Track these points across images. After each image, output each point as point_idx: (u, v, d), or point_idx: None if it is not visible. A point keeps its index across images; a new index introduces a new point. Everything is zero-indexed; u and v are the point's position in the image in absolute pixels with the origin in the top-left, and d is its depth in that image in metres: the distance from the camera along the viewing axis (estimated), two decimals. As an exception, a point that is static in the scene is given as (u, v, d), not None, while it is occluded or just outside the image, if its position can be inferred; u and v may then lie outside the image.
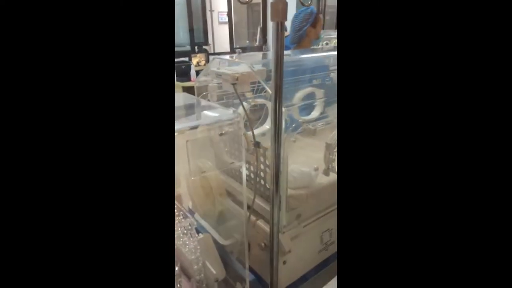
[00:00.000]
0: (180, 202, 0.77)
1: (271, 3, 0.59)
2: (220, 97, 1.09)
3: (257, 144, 0.83)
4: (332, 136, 0.90)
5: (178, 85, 3.26)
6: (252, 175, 0.91)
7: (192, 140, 0.82)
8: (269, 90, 0.82)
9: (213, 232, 0.91)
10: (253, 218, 0.88)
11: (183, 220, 0.68)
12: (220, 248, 0.80)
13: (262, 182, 0.89)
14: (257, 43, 4.45)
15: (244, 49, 4.25)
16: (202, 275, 0.69)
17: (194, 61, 3.55)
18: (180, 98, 1.02)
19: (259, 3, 4.29)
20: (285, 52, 0.66)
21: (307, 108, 1.19)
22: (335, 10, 4.26)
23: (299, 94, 1.15)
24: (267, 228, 0.84)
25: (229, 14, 4.11)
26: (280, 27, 0.60)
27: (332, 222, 0.96)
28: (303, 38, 1.73)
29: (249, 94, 1.05)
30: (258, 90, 1.06)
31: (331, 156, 0.90)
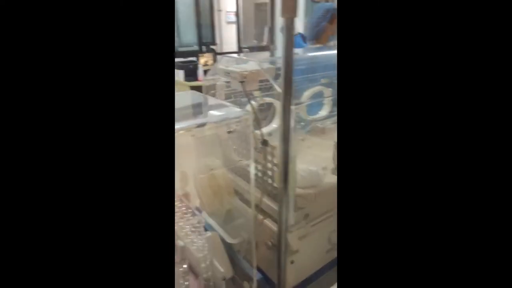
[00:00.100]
0: (188, 200, 0.77)
1: (282, -2, 0.58)
2: (228, 95, 1.09)
3: (265, 143, 0.83)
4: (341, 135, 0.89)
5: (185, 84, 3.27)
6: (259, 174, 0.90)
7: (200, 138, 0.82)
8: (278, 88, 0.81)
9: (220, 231, 0.91)
10: (260, 217, 0.87)
11: (191, 218, 0.68)
12: (228, 247, 0.80)
13: (270, 181, 0.88)
14: (264, 43, 4.44)
15: (252, 49, 4.24)
16: (210, 273, 0.69)
17: (202, 60, 3.57)
18: (188, 96, 1.02)
19: (267, 2, 4.29)
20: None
21: (316, 107, 1.19)
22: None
23: (307, 93, 1.14)
24: (274, 227, 0.84)
25: (236, 14, 4.11)
26: (290, 23, 0.59)
27: (340, 222, 0.95)
28: (321, 34, 1.75)
29: (256, 93, 1.04)
30: (265, 89, 1.06)
31: (339, 155, 0.89)
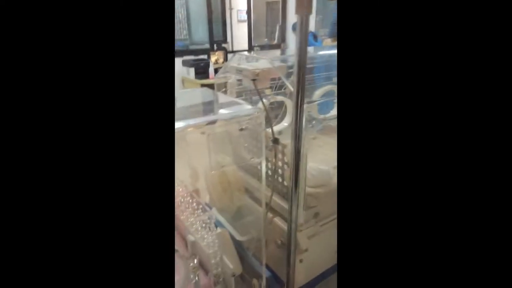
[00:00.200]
0: (198, 197, 0.78)
1: (296, -4, 0.58)
2: (239, 93, 1.09)
3: (275, 141, 0.83)
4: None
5: (196, 82, 3.29)
6: (269, 172, 0.90)
7: (210, 135, 0.83)
8: (290, 87, 0.81)
9: (229, 228, 0.91)
10: (270, 215, 0.87)
11: (201, 213, 0.68)
12: (237, 244, 0.80)
13: (280, 179, 0.88)
14: (275, 41, 4.43)
15: (263, 47, 4.23)
16: (220, 269, 0.69)
17: (213, 58, 3.58)
18: (199, 93, 1.03)
19: (278, 1, 4.27)
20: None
21: (327, 106, 1.18)
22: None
23: (319, 92, 1.13)
24: (283, 225, 0.84)
25: (248, 12, 4.11)
26: (305, 20, 0.59)
27: (350, 222, 0.95)
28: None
29: (268, 91, 1.04)
30: (276, 88, 1.06)
31: (351, 155, 0.88)
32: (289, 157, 0.79)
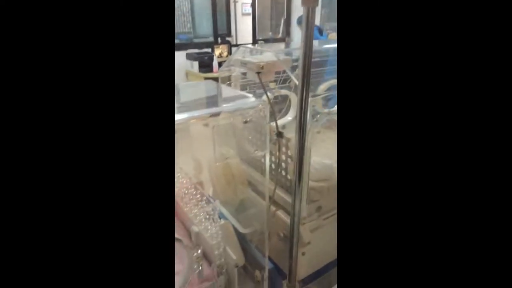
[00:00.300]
0: (202, 188, 0.78)
1: (303, -13, 0.57)
2: (243, 86, 1.09)
3: (280, 134, 0.83)
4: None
5: (200, 75, 3.29)
6: (273, 166, 0.90)
7: (214, 127, 0.83)
8: (295, 80, 0.81)
9: (232, 220, 0.92)
10: (272, 208, 0.88)
11: (205, 205, 0.69)
12: (239, 236, 0.81)
13: (283, 173, 0.88)
14: (280, 35, 4.39)
15: (267, 41, 4.21)
16: (223, 260, 0.70)
17: (217, 52, 3.57)
18: (203, 86, 1.03)
19: (284, -6, 4.22)
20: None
21: (331, 100, 1.17)
22: None
23: (323, 86, 1.13)
24: (286, 218, 0.84)
25: (253, 5, 4.07)
26: (311, 13, 0.58)
27: (353, 216, 0.95)
28: None
29: (272, 85, 1.04)
30: (280, 81, 1.05)
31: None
32: (293, 151, 0.79)
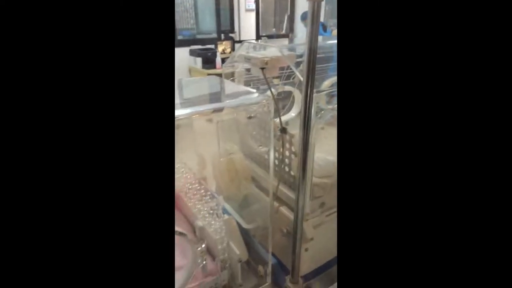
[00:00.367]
0: (206, 184, 0.79)
1: (308, -18, 0.57)
2: (247, 82, 1.09)
3: (283, 130, 0.83)
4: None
5: (203, 72, 3.28)
6: (276, 162, 0.90)
7: (217, 123, 0.83)
8: (299, 76, 0.81)
9: (236, 216, 0.92)
10: (276, 204, 0.88)
11: (209, 200, 0.69)
12: (243, 231, 0.82)
13: (287, 169, 0.88)
14: (283, 31, 4.37)
15: (270, 37, 4.19)
16: (226, 255, 0.70)
17: (220, 48, 3.56)
18: (206, 82, 1.03)
19: (287, -10, 4.19)
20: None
21: (335, 97, 1.17)
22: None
23: (327, 82, 1.12)
24: (289, 214, 0.84)
25: (256, 1, 4.05)
26: (316, 8, 0.58)
27: (356, 213, 0.95)
28: None
29: (276, 81, 1.04)
30: (284, 78, 1.05)
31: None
32: (296, 147, 0.79)
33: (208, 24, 3.87)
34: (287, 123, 1.03)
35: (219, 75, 1.10)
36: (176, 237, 0.59)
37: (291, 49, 0.90)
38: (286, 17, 4.34)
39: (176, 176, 0.93)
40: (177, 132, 0.96)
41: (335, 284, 0.93)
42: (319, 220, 0.86)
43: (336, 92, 1.14)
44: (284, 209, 0.87)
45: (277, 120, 0.80)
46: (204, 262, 0.64)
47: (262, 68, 0.82)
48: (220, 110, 0.67)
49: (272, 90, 0.87)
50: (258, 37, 4.16)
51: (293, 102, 1.10)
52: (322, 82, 1.11)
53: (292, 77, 1.01)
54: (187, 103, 0.75)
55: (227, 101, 0.74)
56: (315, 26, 0.60)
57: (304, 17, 3.59)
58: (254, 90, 0.77)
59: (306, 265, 0.86)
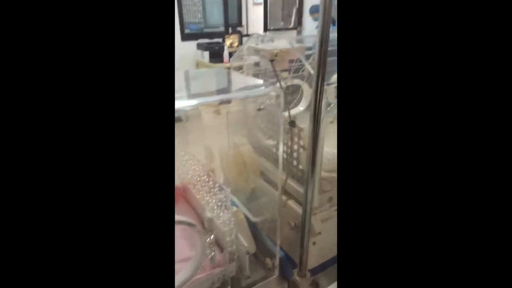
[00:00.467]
0: (214, 176, 0.79)
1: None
2: (255, 76, 1.08)
3: (292, 124, 0.82)
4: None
5: (210, 66, 3.28)
6: (285, 155, 0.90)
7: (225, 115, 0.83)
8: (309, 68, 0.80)
9: (244, 209, 0.92)
10: (283, 198, 0.88)
11: (218, 192, 0.69)
12: (250, 224, 0.82)
13: (295, 162, 0.88)
14: (291, 25, 4.32)
15: (278, 31, 4.15)
16: (234, 247, 0.71)
17: (228, 42, 3.54)
18: (212, 73, 1.02)
19: (296, -17, 4.14)
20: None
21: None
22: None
23: (336, 76, 1.11)
24: (297, 208, 0.84)
25: (264, -5, 4.01)
26: (328, 0, 0.56)
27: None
28: None
29: (284, 74, 1.03)
30: (292, 71, 1.04)
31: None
32: (305, 140, 0.78)
33: (215, 17, 3.85)
34: (295, 117, 1.02)
35: (227, 69, 1.09)
36: (185, 228, 0.59)
37: (299, 41, 0.89)
38: (294, 11, 4.29)
39: (184, 168, 0.93)
40: (185, 124, 0.97)
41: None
42: (327, 214, 0.86)
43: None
44: (292, 203, 0.87)
45: (286, 113, 0.79)
46: (212, 253, 0.64)
47: (272, 60, 0.81)
48: (228, 101, 0.67)
49: (282, 83, 0.86)
50: (266, 30, 4.13)
51: (301, 96, 1.09)
52: (331, 76, 1.10)
53: (302, 69, 1.00)
54: (194, 94, 0.75)
55: (235, 92, 0.74)
56: (327, 18, 0.59)
57: (313, 10, 3.54)
58: (262, 81, 0.77)
59: (314, 259, 0.86)
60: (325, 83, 0.78)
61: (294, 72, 1.01)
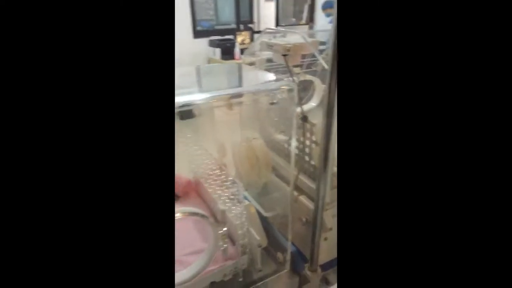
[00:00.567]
0: (226, 170, 0.79)
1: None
2: (267, 71, 1.08)
3: (304, 119, 0.82)
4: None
5: (222, 63, 3.29)
6: (297, 151, 0.90)
7: (237, 109, 0.83)
8: (323, 63, 0.79)
9: (255, 204, 0.93)
10: (295, 193, 0.88)
11: (230, 186, 0.70)
12: (262, 219, 0.82)
13: (307, 158, 0.88)
14: (303, 21, 4.29)
15: (290, 27, 4.12)
16: (246, 240, 0.71)
17: (239, 39, 3.54)
18: (224, 68, 1.03)
19: (308, -22, 4.09)
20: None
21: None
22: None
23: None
24: (309, 203, 0.84)
25: (276, -9, 3.99)
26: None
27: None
28: None
29: (296, 70, 1.02)
30: (305, 67, 1.03)
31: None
32: (318, 136, 0.78)
33: (227, 14, 3.85)
34: (307, 113, 1.01)
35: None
36: (198, 220, 0.60)
37: (311, 36, 0.88)
38: (306, 7, 4.25)
39: (196, 162, 0.94)
40: (198, 119, 0.97)
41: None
42: (339, 210, 0.85)
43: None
44: (303, 198, 0.87)
45: (298, 109, 0.79)
46: (225, 246, 0.65)
47: (285, 55, 0.81)
48: (240, 95, 0.67)
49: (294, 78, 0.85)
50: (277, 27, 4.11)
51: (313, 92, 1.09)
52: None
53: (313, 66, 1.00)
54: (206, 88, 0.76)
55: (250, 86, 0.74)
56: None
57: (326, 6, 3.50)
58: (274, 76, 0.77)
59: (324, 254, 0.86)
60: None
61: (306, 68, 1.01)
